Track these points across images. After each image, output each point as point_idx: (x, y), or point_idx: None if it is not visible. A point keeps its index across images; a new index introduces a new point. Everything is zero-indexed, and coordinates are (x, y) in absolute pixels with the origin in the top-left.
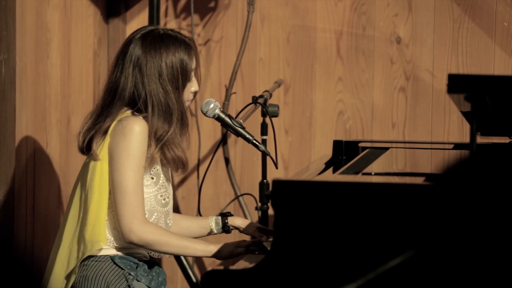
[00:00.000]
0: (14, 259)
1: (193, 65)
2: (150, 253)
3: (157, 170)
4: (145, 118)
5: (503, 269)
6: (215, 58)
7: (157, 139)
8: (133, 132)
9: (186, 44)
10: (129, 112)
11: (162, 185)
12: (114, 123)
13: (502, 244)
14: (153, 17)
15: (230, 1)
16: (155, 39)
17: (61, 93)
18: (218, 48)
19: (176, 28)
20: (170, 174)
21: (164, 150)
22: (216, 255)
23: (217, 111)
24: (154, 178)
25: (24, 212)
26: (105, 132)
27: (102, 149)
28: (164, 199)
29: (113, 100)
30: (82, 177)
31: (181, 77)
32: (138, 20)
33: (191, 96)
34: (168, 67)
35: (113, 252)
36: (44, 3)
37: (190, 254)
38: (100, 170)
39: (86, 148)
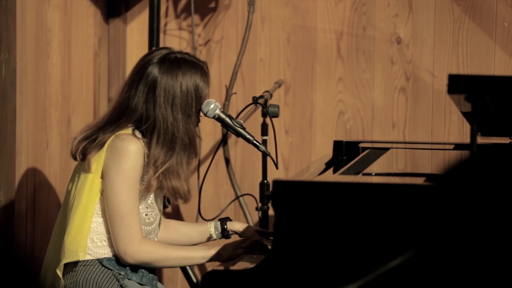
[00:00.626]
0: (14, 259)
1: (207, 90)
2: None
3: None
4: (144, 142)
5: (504, 269)
6: (216, 59)
7: (156, 167)
8: (128, 153)
9: (202, 70)
10: (130, 129)
11: (150, 205)
12: (113, 137)
13: (503, 244)
14: (154, 17)
15: (230, 2)
16: (173, 63)
17: (61, 93)
18: (219, 48)
19: (177, 28)
20: (162, 195)
21: (162, 180)
22: (216, 259)
23: (218, 111)
24: (143, 196)
25: (24, 212)
26: (102, 145)
27: (96, 161)
28: (148, 219)
29: (120, 118)
30: (72, 183)
31: (194, 104)
32: (138, 21)
33: (200, 120)
34: (183, 95)
35: (100, 255)
36: (44, 3)
37: (190, 263)
38: (91, 183)
39: (80, 156)
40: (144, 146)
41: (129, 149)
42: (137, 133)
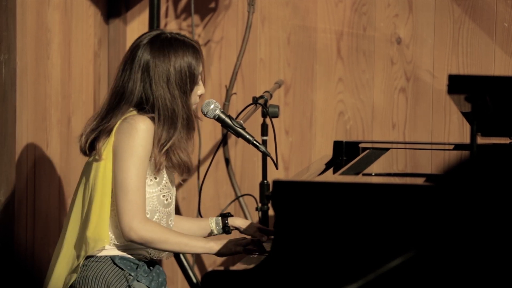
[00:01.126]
0: (15, 259)
1: (200, 68)
2: (150, 254)
3: (161, 170)
4: (152, 118)
5: (504, 269)
6: (216, 59)
7: (160, 145)
8: (138, 130)
9: (193, 48)
10: (135, 111)
11: (165, 186)
12: (119, 121)
13: (503, 244)
14: (154, 17)
15: (230, 2)
16: (163, 43)
17: (61, 94)
18: (219, 48)
19: (177, 28)
20: (173, 175)
21: (170, 155)
22: (215, 252)
23: (218, 111)
24: (157, 178)
25: (24, 212)
26: (110, 131)
27: (106, 148)
28: (166, 200)
29: (119, 103)
30: (85, 176)
31: (189, 81)
32: (138, 21)
33: (198, 99)
34: (176, 72)
35: (113, 252)
36: (44, 4)
37: (189, 251)
38: (103, 169)
39: (89, 149)
40: (153, 123)
41: (139, 127)
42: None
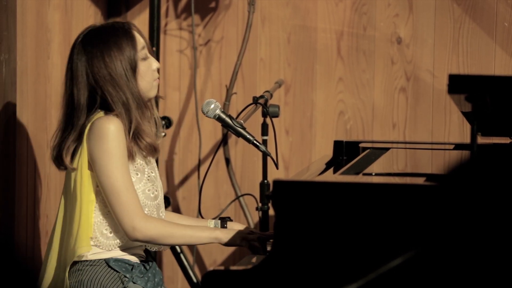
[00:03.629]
0: (15, 259)
1: (139, 48)
2: (149, 246)
3: (140, 165)
4: (117, 116)
5: (504, 269)
6: (216, 58)
7: (128, 131)
8: (108, 132)
9: (125, 33)
10: (102, 113)
11: (148, 179)
12: (88, 126)
13: (503, 244)
14: (154, 17)
15: (230, 2)
16: (95, 39)
17: (61, 93)
18: (219, 48)
19: (177, 28)
20: (156, 168)
21: (137, 141)
22: (221, 241)
23: (218, 111)
24: (139, 174)
25: (24, 212)
26: (77, 139)
27: (79, 156)
28: (152, 193)
29: (73, 111)
30: (65, 187)
31: (130, 68)
32: (139, 21)
33: (156, 74)
34: (116, 67)
35: (107, 255)
36: (44, 4)
37: (195, 242)
38: (80, 178)
39: (59, 163)
40: (121, 122)
41: (109, 128)
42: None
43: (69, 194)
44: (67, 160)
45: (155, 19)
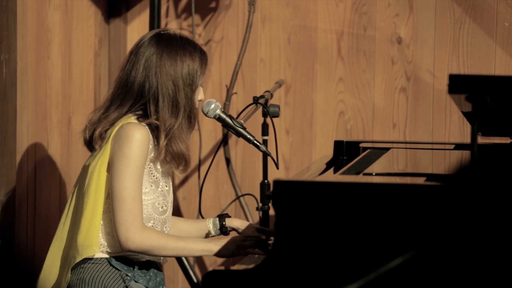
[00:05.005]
0: (15, 259)
1: (204, 77)
2: (141, 256)
3: (157, 178)
4: (149, 125)
5: (505, 269)
6: (216, 59)
7: (165, 129)
8: (134, 139)
9: (201, 52)
10: (133, 118)
11: (161, 193)
12: (116, 128)
13: (504, 244)
14: (154, 17)
15: (231, 2)
16: (172, 40)
17: (62, 94)
18: (219, 48)
19: (177, 28)
20: (171, 182)
21: (170, 143)
22: (215, 254)
23: (218, 111)
24: (153, 185)
25: (25, 212)
26: (112, 123)
27: (100, 156)
28: (161, 207)
29: (122, 93)
30: (81, 180)
31: (193, 79)
32: (139, 21)
33: (197, 104)
34: (183, 70)
35: (109, 254)
36: (45, 4)
37: (188, 254)
38: (97, 176)
39: (92, 141)
40: (149, 133)
41: (135, 135)
42: (142, 121)
43: (82, 190)
44: (96, 137)
45: (155, 19)
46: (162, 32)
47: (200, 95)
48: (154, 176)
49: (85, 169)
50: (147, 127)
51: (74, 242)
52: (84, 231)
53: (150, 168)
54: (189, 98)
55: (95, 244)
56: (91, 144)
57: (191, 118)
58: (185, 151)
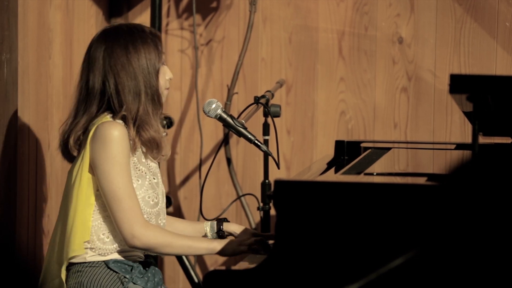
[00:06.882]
0: (16, 259)
1: (162, 56)
2: (146, 253)
3: (142, 171)
4: (123, 120)
5: (505, 269)
6: (217, 58)
7: (133, 120)
8: (112, 138)
9: (152, 34)
10: (108, 117)
11: (150, 186)
12: (93, 129)
13: (504, 244)
14: (155, 17)
15: (232, 1)
16: (120, 31)
17: (63, 93)
18: (220, 48)
19: (178, 28)
20: (159, 174)
21: (140, 131)
22: (219, 252)
23: (219, 111)
24: (140, 180)
25: (26, 212)
26: (85, 128)
27: (81, 159)
28: (152, 200)
29: (86, 97)
30: (66, 185)
31: (153, 64)
32: (140, 20)
33: (168, 84)
34: (140, 58)
35: (106, 257)
36: (46, 3)
37: (193, 253)
38: (78, 180)
39: (68, 152)
40: (126, 129)
41: (112, 134)
42: (117, 119)
43: (65, 196)
44: (72, 146)
45: (156, 19)
46: (107, 28)
47: (167, 74)
48: (139, 170)
49: (69, 174)
50: (122, 123)
51: (63, 246)
52: (68, 235)
53: (134, 162)
54: (149, 82)
55: (78, 247)
56: (69, 154)
57: (155, 99)
58: (155, 135)
